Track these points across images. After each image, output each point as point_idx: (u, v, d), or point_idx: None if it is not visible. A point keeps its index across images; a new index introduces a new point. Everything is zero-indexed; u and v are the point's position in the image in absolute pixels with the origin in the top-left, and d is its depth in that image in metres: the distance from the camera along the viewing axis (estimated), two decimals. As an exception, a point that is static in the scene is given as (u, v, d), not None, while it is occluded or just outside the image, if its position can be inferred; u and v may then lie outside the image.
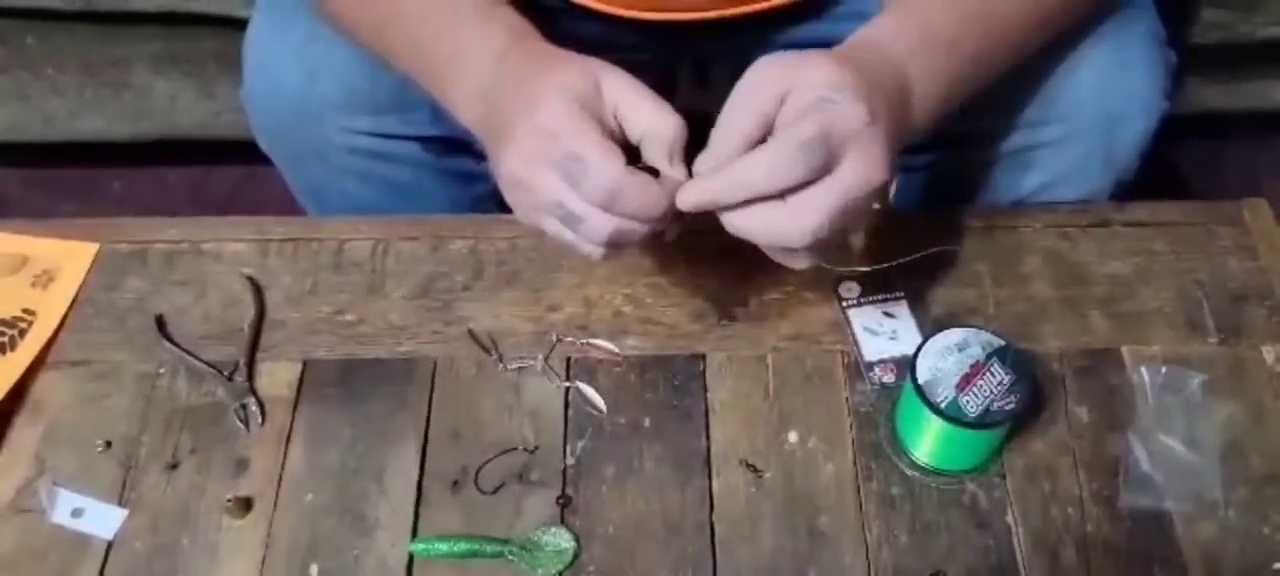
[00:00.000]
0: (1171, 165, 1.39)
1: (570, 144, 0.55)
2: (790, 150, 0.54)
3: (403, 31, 0.68)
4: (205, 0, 1.14)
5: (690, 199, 0.57)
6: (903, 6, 0.65)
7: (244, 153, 0.85)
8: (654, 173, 0.57)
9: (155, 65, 1.24)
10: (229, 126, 1.26)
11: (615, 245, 0.57)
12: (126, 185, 1.47)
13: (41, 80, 1.25)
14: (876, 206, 0.59)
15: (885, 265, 0.71)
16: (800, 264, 0.59)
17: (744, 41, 0.86)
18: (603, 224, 0.56)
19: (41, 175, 1.46)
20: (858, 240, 0.72)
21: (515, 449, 0.67)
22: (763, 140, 0.56)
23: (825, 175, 0.55)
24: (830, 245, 0.57)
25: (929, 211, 0.75)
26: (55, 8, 1.14)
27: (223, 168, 1.41)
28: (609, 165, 0.55)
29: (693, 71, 0.96)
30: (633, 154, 0.57)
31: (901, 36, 0.62)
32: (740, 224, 0.57)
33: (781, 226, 0.56)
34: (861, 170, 0.55)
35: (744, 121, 0.57)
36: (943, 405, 0.62)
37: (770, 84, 0.57)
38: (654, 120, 0.57)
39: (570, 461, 0.67)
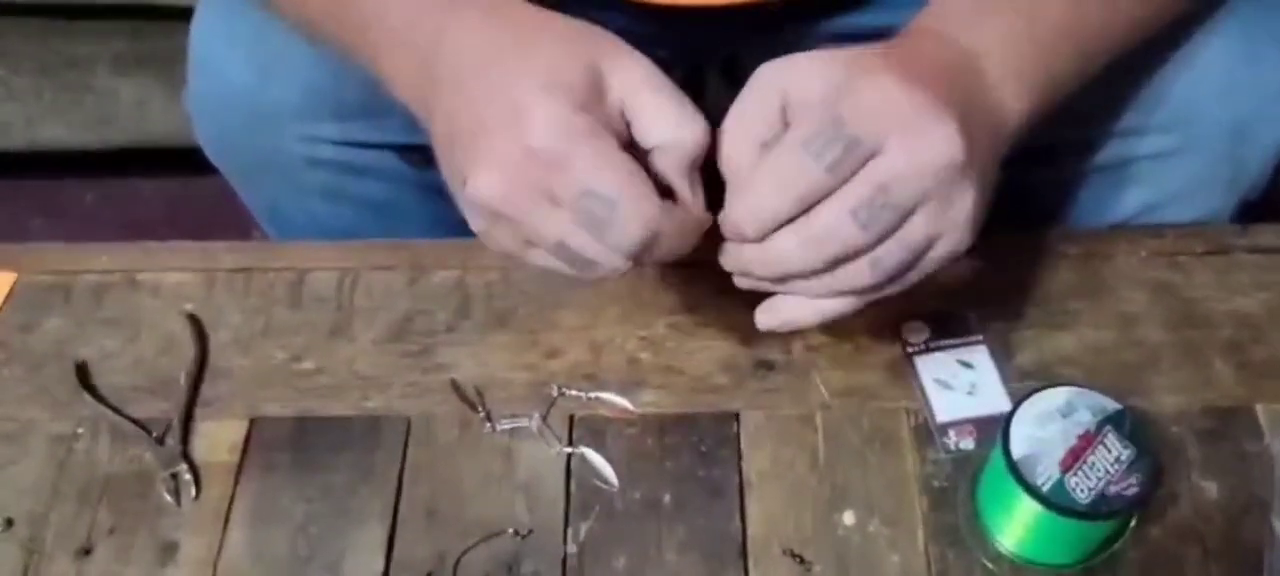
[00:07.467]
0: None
1: (588, 179, 0.45)
2: (791, 155, 0.46)
3: None
4: (172, -8, 1.05)
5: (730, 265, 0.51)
6: None
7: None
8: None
9: (119, 66, 1.18)
10: (201, 134, 1.20)
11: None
12: (99, 198, 1.42)
13: (-5, 83, 1.20)
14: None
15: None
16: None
17: (783, 34, 0.77)
18: (621, 266, 0.48)
19: (6, 187, 1.39)
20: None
21: (504, 532, 0.59)
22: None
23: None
24: (897, 275, 0.48)
25: (1010, 236, 0.65)
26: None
27: (204, 178, 1.33)
28: (645, 208, 0.46)
29: (723, 70, 0.87)
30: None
31: (978, 23, 0.51)
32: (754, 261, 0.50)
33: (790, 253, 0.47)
34: (909, 152, 0.45)
35: (743, 146, 0.49)
36: (1045, 488, 0.51)
37: (765, 98, 0.49)
38: (678, 130, 0.48)
39: (572, 548, 0.58)
